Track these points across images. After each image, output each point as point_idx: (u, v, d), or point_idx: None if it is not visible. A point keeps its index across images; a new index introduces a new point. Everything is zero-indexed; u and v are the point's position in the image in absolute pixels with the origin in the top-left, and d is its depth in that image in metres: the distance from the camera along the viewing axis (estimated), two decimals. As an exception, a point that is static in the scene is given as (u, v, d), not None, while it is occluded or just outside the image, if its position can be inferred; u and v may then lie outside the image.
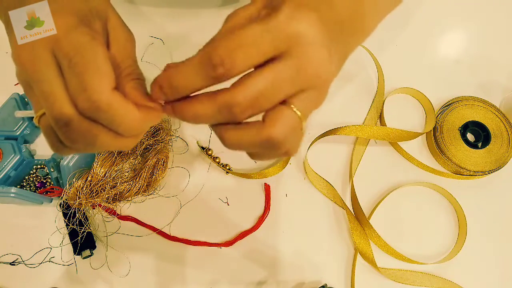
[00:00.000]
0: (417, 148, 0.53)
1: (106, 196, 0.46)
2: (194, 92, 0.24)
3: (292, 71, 0.22)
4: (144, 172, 0.47)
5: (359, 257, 0.47)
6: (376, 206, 0.49)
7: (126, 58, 0.27)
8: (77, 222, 0.45)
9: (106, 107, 0.23)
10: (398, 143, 0.52)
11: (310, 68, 0.23)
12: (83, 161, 0.46)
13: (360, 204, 0.48)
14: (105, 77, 0.23)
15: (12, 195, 0.42)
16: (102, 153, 0.47)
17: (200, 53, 0.22)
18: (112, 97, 0.23)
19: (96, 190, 0.45)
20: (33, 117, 0.27)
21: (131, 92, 0.26)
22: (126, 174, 0.48)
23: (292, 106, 0.23)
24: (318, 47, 0.23)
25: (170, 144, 0.50)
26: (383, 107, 0.54)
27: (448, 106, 0.53)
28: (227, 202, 0.49)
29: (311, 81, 0.23)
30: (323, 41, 0.23)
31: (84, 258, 0.45)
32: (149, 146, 0.48)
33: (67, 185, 0.45)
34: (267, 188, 0.49)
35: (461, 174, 0.51)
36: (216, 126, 0.25)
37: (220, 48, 0.21)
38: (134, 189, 0.46)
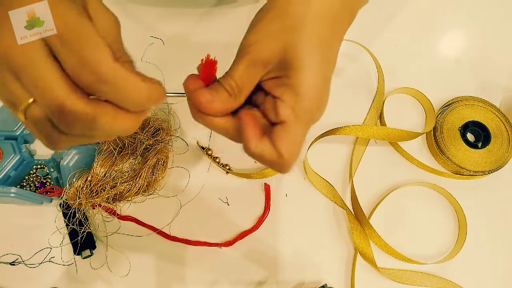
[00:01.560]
0: (417, 148, 0.53)
1: (106, 196, 0.46)
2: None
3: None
4: (144, 172, 0.47)
5: (359, 257, 0.47)
6: (376, 206, 0.49)
7: (113, 42, 0.26)
8: (77, 222, 0.45)
9: (112, 78, 0.23)
10: (398, 143, 0.52)
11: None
12: (83, 161, 0.46)
13: (360, 204, 0.48)
14: (105, 49, 0.23)
15: (12, 195, 0.42)
16: (102, 153, 0.47)
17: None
18: (116, 67, 0.23)
19: (96, 190, 0.45)
20: None
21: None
22: (126, 174, 0.48)
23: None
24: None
25: (170, 144, 0.50)
26: (383, 107, 0.54)
27: (448, 106, 0.53)
28: (227, 202, 0.49)
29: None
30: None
31: (84, 258, 0.45)
32: (149, 146, 0.48)
33: (67, 185, 0.45)
34: (267, 188, 0.49)
35: (461, 174, 0.51)
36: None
37: (287, 157, 0.26)
38: (134, 189, 0.46)
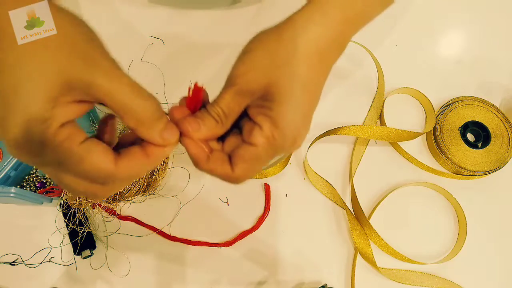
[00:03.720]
0: (417, 148, 0.53)
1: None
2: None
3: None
4: (144, 172, 0.47)
5: (359, 257, 0.47)
6: (376, 206, 0.49)
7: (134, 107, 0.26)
8: (77, 222, 0.45)
9: (117, 180, 0.26)
10: (398, 143, 0.52)
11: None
12: (83, 161, 0.46)
13: (360, 204, 0.48)
14: (103, 162, 0.25)
15: (12, 195, 0.42)
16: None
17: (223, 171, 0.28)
18: (117, 172, 0.25)
19: (96, 190, 0.45)
20: None
21: (151, 138, 0.27)
22: (126, 174, 0.48)
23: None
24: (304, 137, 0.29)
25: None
26: (383, 107, 0.54)
27: (448, 106, 0.53)
28: (227, 202, 0.49)
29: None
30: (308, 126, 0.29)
31: (84, 258, 0.45)
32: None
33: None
34: (267, 188, 0.49)
35: (461, 174, 0.51)
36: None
37: (238, 175, 0.28)
38: (134, 189, 0.46)
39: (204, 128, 0.28)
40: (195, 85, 0.28)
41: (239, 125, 0.30)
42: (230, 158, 0.28)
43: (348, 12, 0.29)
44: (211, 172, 0.28)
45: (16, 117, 0.22)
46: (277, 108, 0.27)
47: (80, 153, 0.24)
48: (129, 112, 0.25)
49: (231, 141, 0.29)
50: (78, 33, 0.25)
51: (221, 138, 0.30)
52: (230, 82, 0.28)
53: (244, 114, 0.29)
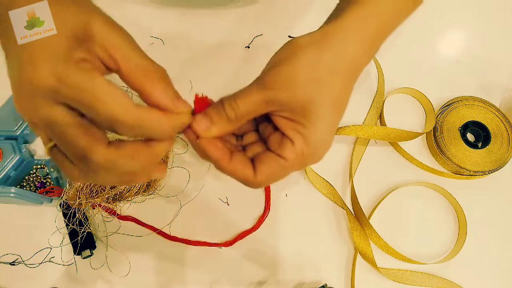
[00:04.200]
0: (417, 148, 0.53)
1: (106, 196, 0.46)
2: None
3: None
4: (144, 172, 0.47)
5: (359, 257, 0.47)
6: (376, 206, 0.49)
7: (132, 51, 0.27)
8: (77, 222, 0.45)
9: (133, 124, 0.24)
10: (398, 143, 0.52)
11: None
12: (83, 161, 0.46)
13: (360, 204, 0.48)
14: (122, 99, 0.24)
15: (12, 195, 0.42)
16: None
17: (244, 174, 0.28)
18: (134, 113, 0.24)
19: (96, 190, 0.45)
20: None
21: (162, 98, 0.26)
22: (126, 174, 0.48)
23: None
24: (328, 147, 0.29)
25: (170, 144, 0.50)
26: (383, 107, 0.54)
27: (448, 106, 0.53)
28: (227, 202, 0.49)
29: None
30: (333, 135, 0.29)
31: (84, 258, 0.45)
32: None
33: (67, 185, 0.45)
34: (267, 188, 0.49)
35: (461, 174, 0.51)
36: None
37: (260, 183, 0.28)
38: (134, 189, 0.46)
39: (214, 128, 0.27)
40: (196, 97, 0.28)
41: (257, 127, 0.30)
42: (253, 162, 0.28)
43: (383, 19, 0.29)
44: (232, 174, 0.28)
45: (46, 44, 0.23)
46: (311, 127, 0.27)
47: (102, 84, 0.23)
48: (141, 73, 0.26)
49: (254, 147, 0.29)
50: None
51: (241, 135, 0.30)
52: (261, 84, 0.27)
53: (264, 118, 0.29)
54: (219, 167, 0.28)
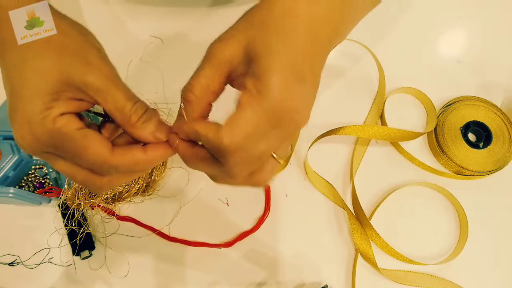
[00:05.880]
0: (418, 148, 0.53)
1: (105, 196, 0.45)
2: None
3: (283, 139, 0.26)
4: (144, 172, 0.46)
5: (359, 258, 0.47)
6: (377, 206, 0.49)
7: (116, 100, 0.27)
8: (76, 222, 0.45)
9: (114, 169, 0.27)
10: (399, 143, 0.52)
11: (297, 131, 0.27)
12: (82, 161, 0.46)
13: (361, 204, 0.48)
14: (100, 148, 0.26)
15: (10, 195, 0.42)
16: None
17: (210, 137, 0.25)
18: (112, 159, 0.26)
19: (95, 191, 0.45)
20: None
21: (146, 135, 0.28)
22: (125, 174, 0.47)
23: (276, 156, 0.27)
24: (307, 111, 0.26)
25: (170, 144, 0.50)
26: (384, 107, 0.53)
27: (449, 106, 0.53)
28: (227, 203, 0.49)
29: (295, 137, 0.27)
30: (310, 98, 0.26)
31: (83, 259, 0.45)
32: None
33: (66, 186, 0.44)
34: (267, 189, 0.49)
35: (463, 174, 0.51)
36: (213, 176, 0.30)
37: (227, 142, 0.24)
38: (133, 189, 0.46)
39: (184, 125, 0.27)
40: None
41: None
42: None
43: None
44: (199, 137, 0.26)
45: (24, 107, 0.25)
46: (257, 63, 0.24)
47: (77, 138, 0.26)
48: (118, 115, 0.27)
49: None
50: (79, 37, 0.28)
51: None
52: (205, 58, 0.28)
53: None
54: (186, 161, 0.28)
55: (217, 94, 0.28)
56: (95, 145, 0.26)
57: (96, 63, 0.27)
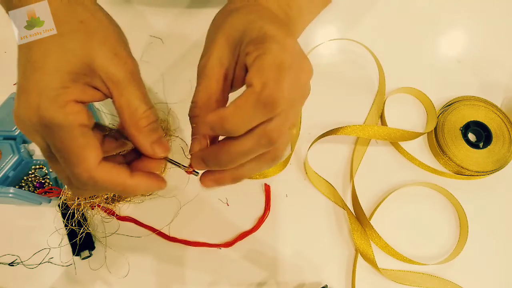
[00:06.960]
0: (418, 148, 0.53)
1: (105, 196, 0.45)
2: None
3: (304, 88, 0.26)
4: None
5: (359, 258, 0.47)
6: (377, 206, 0.49)
7: (130, 98, 0.26)
8: (76, 222, 0.45)
9: (92, 181, 0.25)
10: (399, 143, 0.52)
11: (310, 77, 0.26)
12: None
13: (361, 204, 0.48)
14: (92, 154, 0.25)
15: (10, 195, 0.42)
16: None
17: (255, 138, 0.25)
18: (96, 172, 0.25)
19: (95, 191, 0.45)
20: None
21: (146, 144, 0.27)
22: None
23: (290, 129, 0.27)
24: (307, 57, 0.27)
25: (170, 144, 0.50)
26: (384, 107, 0.53)
27: (449, 106, 0.53)
28: (227, 203, 0.49)
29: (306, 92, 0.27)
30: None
31: (83, 259, 0.45)
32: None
33: (66, 186, 0.44)
34: (267, 189, 0.49)
35: (463, 174, 0.51)
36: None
37: (279, 94, 0.23)
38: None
39: (197, 142, 0.28)
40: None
41: None
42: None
43: None
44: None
45: (40, 77, 0.24)
46: (247, 39, 0.25)
47: (75, 134, 0.25)
48: (129, 113, 0.26)
49: None
50: (112, 27, 0.28)
51: None
52: (197, 77, 0.28)
53: None
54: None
55: (222, 101, 0.28)
56: (88, 149, 0.25)
57: (123, 55, 0.27)
